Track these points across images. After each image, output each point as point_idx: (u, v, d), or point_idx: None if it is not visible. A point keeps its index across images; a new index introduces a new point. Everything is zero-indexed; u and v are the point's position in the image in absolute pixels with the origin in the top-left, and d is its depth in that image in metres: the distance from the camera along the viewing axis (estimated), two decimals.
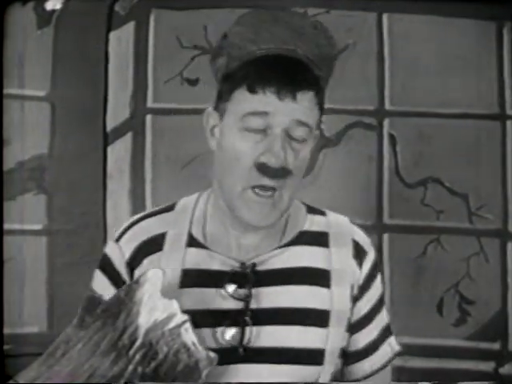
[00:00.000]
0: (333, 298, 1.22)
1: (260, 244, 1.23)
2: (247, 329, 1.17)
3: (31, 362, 1.04)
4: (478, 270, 2.25)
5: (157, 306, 1.03)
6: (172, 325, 1.02)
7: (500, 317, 2.25)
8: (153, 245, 1.23)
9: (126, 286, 1.07)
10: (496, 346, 2.25)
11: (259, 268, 1.21)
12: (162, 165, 2.24)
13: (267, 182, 1.13)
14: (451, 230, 2.26)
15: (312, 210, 1.31)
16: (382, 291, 1.32)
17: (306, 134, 1.15)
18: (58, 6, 2.20)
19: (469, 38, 2.26)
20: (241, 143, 1.14)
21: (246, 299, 1.18)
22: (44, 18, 2.20)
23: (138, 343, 1.01)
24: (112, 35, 2.23)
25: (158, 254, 1.22)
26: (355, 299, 1.26)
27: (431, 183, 2.26)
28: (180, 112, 2.23)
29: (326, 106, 1.21)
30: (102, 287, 1.22)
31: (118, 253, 1.24)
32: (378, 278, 1.30)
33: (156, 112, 2.26)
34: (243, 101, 1.14)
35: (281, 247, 1.24)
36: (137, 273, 1.21)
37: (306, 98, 1.14)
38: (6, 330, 2.12)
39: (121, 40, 2.24)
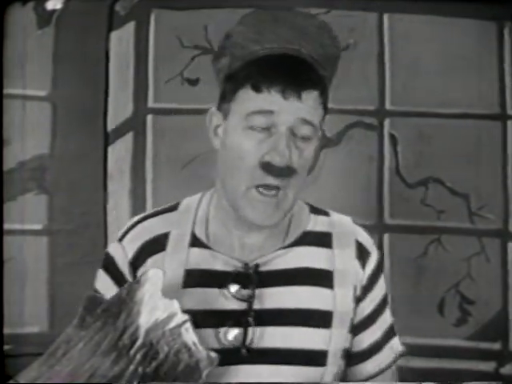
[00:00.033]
0: (336, 299, 1.22)
1: (263, 244, 1.23)
2: (250, 329, 1.17)
3: (32, 362, 1.04)
4: (478, 270, 2.25)
5: (157, 306, 1.03)
6: (173, 324, 1.02)
7: (501, 317, 2.24)
8: (156, 245, 1.23)
9: (126, 285, 1.07)
10: (497, 346, 2.25)
11: (262, 268, 1.21)
12: (163, 165, 2.24)
13: (272, 180, 1.13)
14: (452, 229, 2.26)
15: (315, 210, 1.31)
16: (386, 292, 1.31)
17: (310, 133, 1.15)
18: (59, 6, 2.20)
19: (469, 38, 2.26)
20: (245, 142, 1.14)
21: (249, 300, 1.18)
22: (44, 17, 2.20)
23: (138, 343, 1.01)
24: (113, 35, 2.23)
25: (161, 253, 1.22)
26: (358, 300, 1.26)
27: (432, 183, 2.26)
28: (180, 112, 2.24)
29: None
30: (105, 287, 1.22)
31: (122, 252, 1.24)
32: (382, 278, 1.30)
33: (157, 112, 2.26)
34: (247, 100, 1.14)
35: (284, 248, 1.24)
36: (140, 273, 1.21)
37: (310, 98, 1.14)
38: (7, 330, 2.11)
39: (121, 40, 2.24)
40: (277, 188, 1.14)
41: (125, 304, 1.04)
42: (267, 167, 1.12)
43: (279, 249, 1.23)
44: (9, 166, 2.17)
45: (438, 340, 2.24)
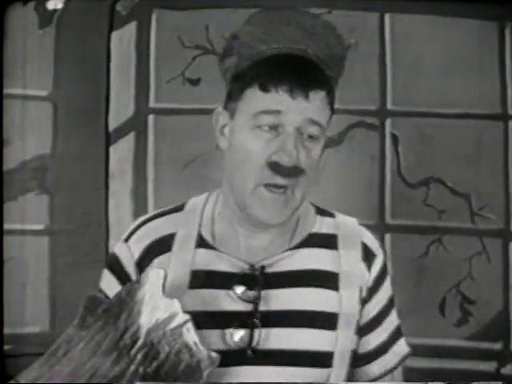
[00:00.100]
0: (341, 301, 1.22)
1: (269, 246, 1.23)
2: (256, 331, 1.17)
3: (32, 361, 1.04)
4: (479, 270, 2.24)
5: (158, 306, 1.03)
6: (174, 324, 1.02)
7: (502, 317, 2.24)
8: (162, 245, 1.23)
9: (127, 285, 1.07)
10: (498, 346, 2.25)
11: (268, 270, 1.20)
12: (164, 165, 2.24)
13: (279, 180, 1.13)
14: (453, 230, 2.26)
15: (321, 212, 1.31)
16: (392, 293, 1.31)
17: (317, 133, 1.15)
18: (60, 6, 2.20)
19: (471, 38, 2.26)
20: (252, 142, 1.14)
21: (255, 301, 1.18)
22: (45, 17, 2.20)
23: (139, 343, 1.01)
24: (114, 35, 2.23)
25: (168, 254, 1.22)
26: (364, 302, 1.26)
27: (433, 183, 2.26)
28: (182, 112, 2.24)
29: None
30: (111, 287, 1.21)
31: (127, 253, 1.24)
32: (387, 280, 1.30)
33: (158, 112, 2.26)
34: (255, 99, 1.14)
35: (290, 249, 1.24)
36: None
37: (318, 98, 1.14)
38: (7, 330, 2.11)
39: (122, 40, 2.24)
40: (285, 187, 1.14)
41: (126, 304, 1.04)
42: (275, 167, 1.12)
43: (285, 250, 1.23)
44: (9, 165, 2.17)
45: (438, 340, 2.23)
